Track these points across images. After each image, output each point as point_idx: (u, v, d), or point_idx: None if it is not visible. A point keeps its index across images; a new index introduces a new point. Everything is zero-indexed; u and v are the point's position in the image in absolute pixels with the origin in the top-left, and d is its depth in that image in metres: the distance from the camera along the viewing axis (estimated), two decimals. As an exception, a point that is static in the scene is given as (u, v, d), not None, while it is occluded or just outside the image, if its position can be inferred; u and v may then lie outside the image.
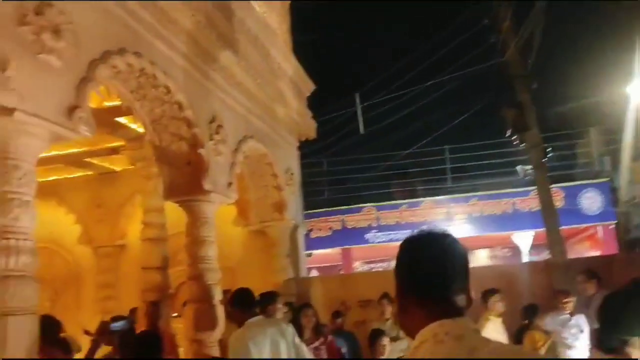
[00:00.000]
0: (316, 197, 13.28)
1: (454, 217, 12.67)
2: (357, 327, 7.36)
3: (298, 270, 9.03)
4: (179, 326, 6.59)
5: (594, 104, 12.65)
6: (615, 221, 12.02)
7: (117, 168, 9.14)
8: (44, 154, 8.01)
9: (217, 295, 5.84)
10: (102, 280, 9.02)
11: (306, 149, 10.28)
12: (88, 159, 8.54)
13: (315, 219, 12.91)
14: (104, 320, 3.92)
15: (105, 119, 7.05)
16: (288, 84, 8.65)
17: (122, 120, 7.17)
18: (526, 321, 5.86)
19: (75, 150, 8.09)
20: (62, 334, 4.17)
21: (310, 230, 12.44)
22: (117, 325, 4.07)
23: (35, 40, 3.61)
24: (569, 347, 5.60)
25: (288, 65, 8.62)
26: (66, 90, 3.92)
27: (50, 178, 9.44)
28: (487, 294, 5.47)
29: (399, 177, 14.93)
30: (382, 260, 16.36)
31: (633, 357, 1.90)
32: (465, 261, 1.39)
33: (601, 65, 11.45)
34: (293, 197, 8.86)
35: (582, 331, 5.60)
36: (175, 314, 7.47)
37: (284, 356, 4.05)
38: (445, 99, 11.94)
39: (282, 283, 8.19)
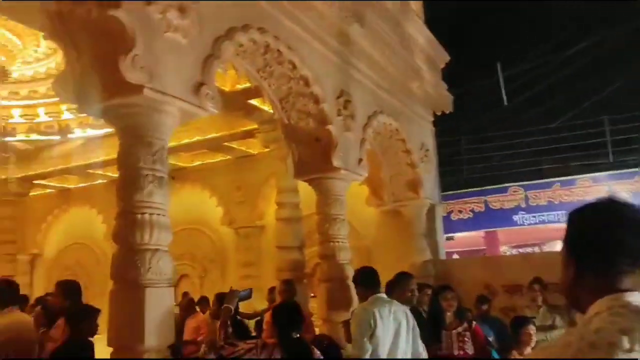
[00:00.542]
0: (455, 177, 12.61)
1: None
2: (504, 314, 6.80)
3: (436, 252, 8.61)
4: (313, 306, 6.58)
5: None
6: None
7: (254, 151, 9.40)
8: (188, 140, 8.60)
9: (350, 275, 5.68)
10: (244, 260, 9.38)
11: (442, 124, 9.73)
12: (227, 143, 8.87)
13: (455, 200, 12.28)
14: (232, 289, 4.01)
15: (239, 102, 7.24)
16: (420, 56, 8.20)
17: (254, 102, 7.32)
18: None
19: (214, 135, 8.43)
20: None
21: (450, 212, 11.88)
22: (244, 293, 4.03)
23: (161, 19, 3.66)
24: None
25: (420, 35, 8.17)
26: (192, 68, 3.95)
27: (195, 163, 10.02)
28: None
29: (549, 153, 13.64)
30: (532, 245, 15.19)
31: None
32: None
33: None
34: (428, 174, 8.42)
35: None
36: (313, 294, 7.50)
37: (404, 336, 4.00)
38: (602, 63, 10.60)
39: (419, 264, 7.85)
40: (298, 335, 3.47)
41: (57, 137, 8.73)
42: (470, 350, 4.88)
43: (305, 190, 6.79)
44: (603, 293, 1.22)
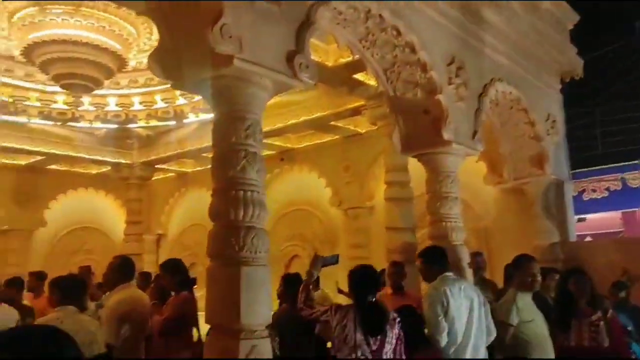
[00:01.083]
0: (587, 152, 11.38)
1: None
2: (647, 303, 5.96)
3: (566, 233, 7.77)
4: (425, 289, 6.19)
5: None
6: None
7: (361, 130, 9.12)
8: (294, 121, 8.53)
9: (465, 257, 5.24)
10: (353, 241, 9.18)
11: (572, 92, 8.74)
12: (334, 123, 8.67)
13: (587, 178, 11.12)
14: (317, 254, 4.02)
15: (343, 77, 6.98)
16: (545, 16, 7.35)
17: (359, 77, 7.02)
18: None
19: (320, 114, 8.26)
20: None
21: (582, 191, 10.80)
22: (330, 258, 4.02)
23: (251, -14, 3.48)
24: None
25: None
26: (285, 37, 3.74)
27: (303, 144, 9.96)
28: None
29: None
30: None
31: None
32: None
33: None
34: (555, 148, 7.58)
35: None
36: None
37: (476, 313, 3.93)
38: None
39: (545, 247, 7.13)
40: (374, 299, 3.47)
41: (172, 123, 9.07)
42: (604, 341, 4.24)
43: (416, 169, 6.39)
44: None
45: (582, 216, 11.07)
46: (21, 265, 9.38)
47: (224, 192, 3.39)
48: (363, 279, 3.53)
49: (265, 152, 10.44)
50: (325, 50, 6.62)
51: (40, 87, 8.16)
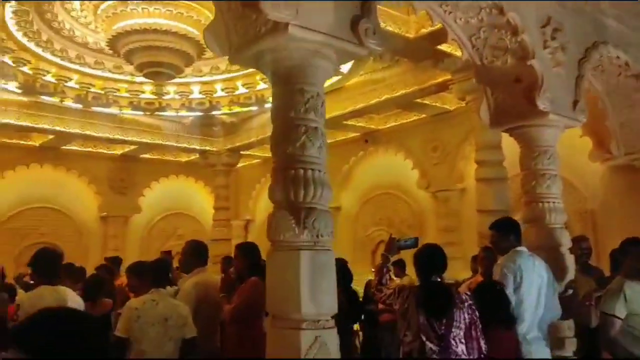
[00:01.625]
0: None
1: None
2: None
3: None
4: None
5: None
6: None
7: (450, 107, 8.56)
8: (377, 100, 8.14)
9: (565, 242, 4.65)
10: (443, 225, 8.69)
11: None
12: (419, 100, 8.19)
13: None
14: (392, 237, 3.84)
15: (426, 49, 6.52)
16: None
17: (444, 48, 6.51)
18: None
19: (404, 91, 7.82)
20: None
21: None
22: (406, 242, 3.78)
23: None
24: None
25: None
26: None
27: (388, 125, 9.55)
28: None
29: None
30: None
31: None
32: None
33: None
34: (675, 119, 6.64)
35: None
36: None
37: (544, 292, 3.82)
38: None
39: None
40: (439, 279, 3.30)
41: (254, 108, 9.01)
42: None
43: (510, 145, 5.81)
44: None
45: None
46: (119, 249, 9.82)
47: (283, 171, 3.13)
48: (427, 258, 3.37)
49: (349, 135, 10.23)
50: (405, 21, 6.19)
51: (128, 78, 8.39)
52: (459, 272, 6.86)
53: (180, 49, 6.99)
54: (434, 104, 8.47)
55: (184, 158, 11.65)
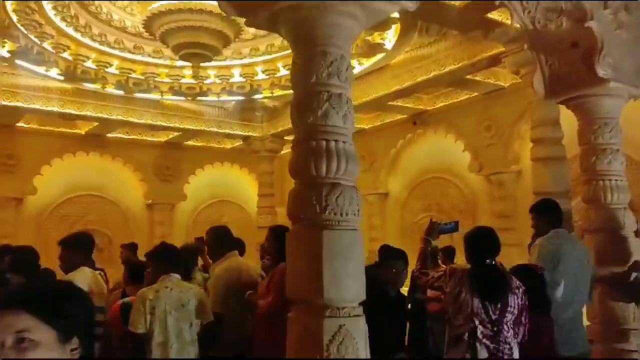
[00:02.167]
0: None
1: None
2: None
3: None
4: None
5: None
6: None
7: (504, 83, 8.00)
8: (424, 77, 7.69)
9: (629, 224, 4.15)
10: (498, 210, 8.18)
11: None
12: (470, 76, 7.68)
13: None
14: (433, 220, 3.86)
15: (475, 18, 6.04)
16: None
17: (494, 17, 6.01)
18: None
19: (453, 67, 7.32)
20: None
21: None
22: (447, 226, 3.80)
23: None
24: None
25: None
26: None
27: (438, 105, 9.09)
28: None
29: None
30: None
31: None
32: None
33: None
34: None
35: None
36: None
37: (581, 277, 3.81)
38: None
39: None
40: (493, 263, 3.22)
41: (296, 90, 8.73)
42: None
43: (569, 119, 5.29)
44: None
45: None
46: (166, 236, 9.79)
47: (304, 143, 2.83)
48: (479, 240, 3.30)
49: (396, 117, 9.81)
50: (451, -11, 5.74)
51: (168, 62, 8.29)
52: (515, 259, 6.37)
53: (217, 29, 6.79)
54: (486, 80, 7.93)
55: (228, 145, 11.54)
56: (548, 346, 3.35)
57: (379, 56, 7.62)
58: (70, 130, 9.75)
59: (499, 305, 3.06)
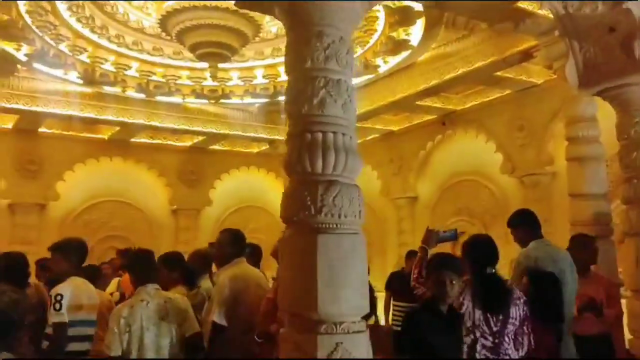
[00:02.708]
0: None
1: None
2: None
3: None
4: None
5: None
6: None
7: (537, 80, 7.53)
8: (452, 75, 7.29)
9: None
10: (533, 215, 7.69)
11: None
12: (500, 73, 7.24)
13: None
14: (430, 229, 3.69)
15: (504, 9, 5.63)
16: None
17: (525, 6, 5.59)
18: None
19: (482, 62, 6.91)
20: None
21: None
22: (445, 234, 3.68)
23: None
24: None
25: None
26: None
27: (468, 105, 8.68)
28: None
29: None
30: None
31: None
32: None
33: None
34: None
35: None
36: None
37: (569, 287, 3.60)
38: None
39: None
40: (493, 272, 3.13)
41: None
42: None
43: (608, 116, 4.84)
44: None
45: None
46: (190, 243, 9.64)
47: (298, 136, 2.55)
48: (479, 249, 3.18)
49: (425, 117, 9.41)
50: (475, -25, 5.36)
51: (189, 64, 8.13)
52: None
53: (233, 27, 6.57)
54: (518, 77, 7.48)
55: (254, 149, 11.31)
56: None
57: (405, 54, 7.28)
58: (93, 135, 9.69)
59: (500, 317, 3.00)
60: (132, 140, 10.04)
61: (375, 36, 6.89)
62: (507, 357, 3.00)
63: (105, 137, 9.75)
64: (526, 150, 7.80)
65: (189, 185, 10.68)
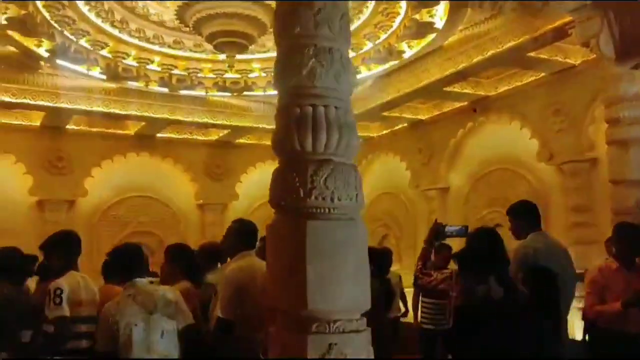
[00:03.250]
0: None
1: None
2: None
3: None
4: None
5: None
6: None
7: (574, 61, 7.06)
8: (480, 57, 6.92)
9: None
10: (572, 204, 7.27)
11: None
12: (533, 54, 6.80)
13: None
14: (438, 222, 3.70)
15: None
16: None
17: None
18: None
19: (512, 43, 6.49)
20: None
21: None
22: (454, 228, 3.70)
23: None
24: None
25: None
26: None
27: (500, 90, 8.26)
28: None
29: None
30: None
31: None
32: None
33: None
34: None
35: None
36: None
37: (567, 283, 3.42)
38: None
39: None
40: None
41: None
42: None
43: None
44: None
45: None
46: (217, 237, 9.46)
47: (286, 110, 2.30)
48: (486, 241, 3.05)
49: (455, 104, 9.00)
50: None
51: (210, 56, 7.99)
52: (593, 259, 5.55)
53: (251, 15, 6.38)
54: (553, 58, 7.01)
55: (280, 142, 11.15)
56: None
57: (430, 37, 6.92)
58: (120, 131, 9.69)
59: None
60: (159, 135, 10.01)
61: (398, 20, 6.57)
62: None
63: (132, 132, 9.74)
64: (564, 136, 7.33)
65: (215, 179, 10.60)
